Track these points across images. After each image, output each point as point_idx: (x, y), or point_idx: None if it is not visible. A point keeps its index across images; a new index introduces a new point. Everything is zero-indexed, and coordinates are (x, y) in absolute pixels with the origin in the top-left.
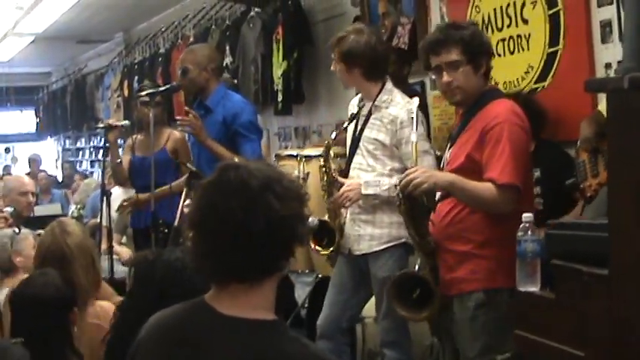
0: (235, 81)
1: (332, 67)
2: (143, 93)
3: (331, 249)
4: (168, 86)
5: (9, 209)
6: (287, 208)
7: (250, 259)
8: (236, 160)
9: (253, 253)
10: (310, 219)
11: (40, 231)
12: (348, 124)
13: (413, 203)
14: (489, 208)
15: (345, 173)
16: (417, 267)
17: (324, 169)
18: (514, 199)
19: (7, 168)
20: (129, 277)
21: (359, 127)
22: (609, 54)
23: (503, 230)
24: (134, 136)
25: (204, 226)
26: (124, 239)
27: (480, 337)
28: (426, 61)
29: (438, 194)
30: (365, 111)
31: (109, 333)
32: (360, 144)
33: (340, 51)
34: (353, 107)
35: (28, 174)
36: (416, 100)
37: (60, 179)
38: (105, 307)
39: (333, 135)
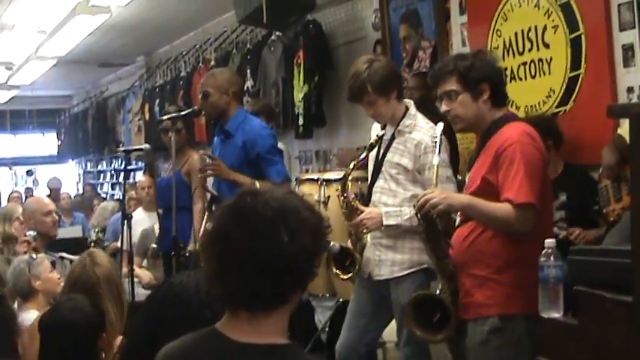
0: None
1: (368, 113)
2: (165, 117)
3: (350, 275)
4: (189, 110)
5: (32, 233)
6: (296, 243)
7: (255, 289)
8: (257, 185)
9: (258, 284)
10: (331, 244)
11: (62, 253)
12: (367, 154)
13: (430, 224)
14: (508, 228)
15: (367, 197)
16: (438, 291)
17: (342, 198)
18: (532, 218)
19: (28, 190)
20: None
21: (382, 151)
22: (631, 78)
23: (521, 255)
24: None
25: (212, 250)
26: (144, 262)
27: None
28: (434, 90)
29: (458, 219)
30: (388, 135)
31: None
32: (383, 168)
33: (376, 86)
34: (376, 130)
35: (48, 196)
36: (440, 125)
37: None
38: None
39: (352, 165)
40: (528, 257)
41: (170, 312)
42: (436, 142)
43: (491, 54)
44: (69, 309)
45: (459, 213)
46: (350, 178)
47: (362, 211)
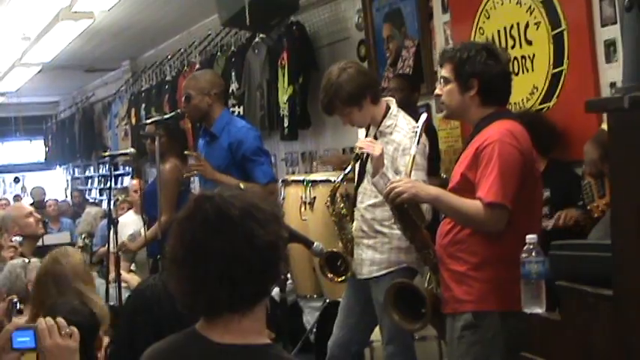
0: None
1: (345, 123)
2: (148, 122)
3: (343, 277)
4: (171, 114)
5: (18, 238)
6: (270, 232)
7: (240, 290)
8: (241, 186)
9: (243, 284)
10: (315, 244)
11: None
12: (353, 165)
13: (401, 214)
14: (477, 225)
15: (353, 198)
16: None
17: (331, 209)
18: (501, 218)
19: (17, 197)
20: None
21: (366, 153)
22: (614, 73)
23: (500, 253)
24: None
25: (187, 264)
26: (132, 267)
27: (465, 357)
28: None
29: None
30: (371, 136)
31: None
32: (366, 170)
33: (344, 99)
34: (362, 130)
35: (32, 204)
36: (424, 115)
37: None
38: None
39: (340, 178)
40: (508, 255)
41: (143, 317)
42: (416, 132)
43: (501, 51)
44: (66, 311)
45: None
46: (338, 191)
47: (352, 219)
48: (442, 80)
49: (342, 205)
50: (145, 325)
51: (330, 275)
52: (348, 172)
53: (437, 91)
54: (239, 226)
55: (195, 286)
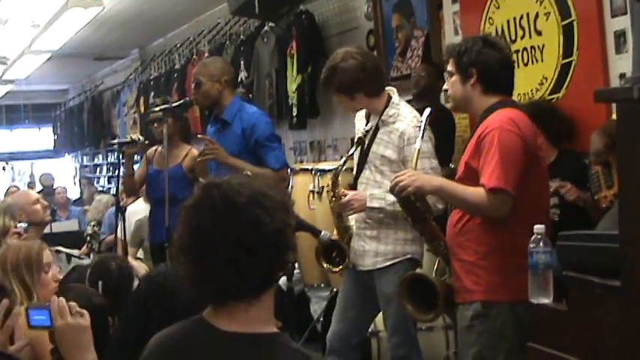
0: (250, 95)
1: (338, 102)
2: (157, 109)
3: (340, 267)
4: (181, 101)
5: (22, 225)
6: (277, 220)
7: (247, 278)
8: (255, 170)
9: (249, 272)
10: (322, 233)
11: (59, 247)
12: (356, 148)
13: (408, 207)
14: (480, 212)
15: (353, 189)
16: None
17: (332, 194)
18: (505, 203)
19: (30, 184)
20: None
21: (366, 142)
22: (623, 64)
23: (508, 242)
24: (154, 148)
25: (195, 251)
26: (140, 253)
27: (474, 346)
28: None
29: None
30: (372, 125)
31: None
32: (368, 159)
33: (336, 86)
34: (361, 119)
35: (40, 191)
36: (428, 110)
37: (77, 196)
38: None
39: (342, 161)
40: (516, 244)
41: (159, 304)
42: (420, 126)
43: (498, 40)
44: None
45: None
46: (341, 173)
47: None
48: (448, 75)
49: (342, 190)
50: (158, 311)
51: (325, 265)
52: (351, 154)
53: (445, 86)
54: (245, 213)
55: (201, 274)
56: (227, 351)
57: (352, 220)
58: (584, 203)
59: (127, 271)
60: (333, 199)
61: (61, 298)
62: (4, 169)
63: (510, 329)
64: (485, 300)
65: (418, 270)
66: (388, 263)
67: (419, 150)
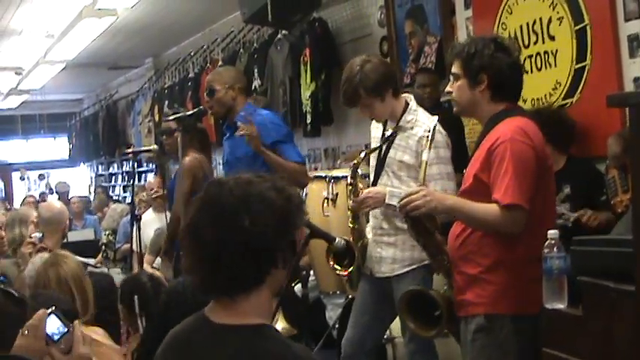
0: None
1: (364, 115)
2: (171, 118)
3: (349, 270)
4: (195, 110)
5: (37, 234)
6: (258, 225)
7: (226, 277)
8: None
9: (231, 270)
10: (337, 239)
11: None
12: (377, 149)
13: (415, 223)
14: (495, 229)
15: None
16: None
17: (351, 187)
18: (520, 219)
19: (43, 195)
20: None
21: (384, 148)
22: (637, 68)
23: (512, 255)
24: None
25: (186, 244)
26: (157, 262)
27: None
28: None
29: None
30: (389, 131)
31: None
32: (386, 165)
33: (367, 89)
34: (377, 127)
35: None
36: (434, 119)
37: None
38: None
39: (362, 154)
40: (521, 256)
41: (177, 312)
42: (427, 136)
43: (509, 42)
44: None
45: None
46: (360, 169)
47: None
48: (452, 77)
49: (361, 185)
50: (179, 317)
51: (334, 265)
52: (374, 149)
53: (447, 88)
54: (228, 213)
55: (192, 268)
56: (215, 341)
57: (368, 227)
58: (607, 222)
59: (159, 287)
60: (352, 194)
61: (84, 328)
62: (22, 178)
63: (514, 342)
64: (488, 313)
65: (415, 286)
66: (405, 270)
67: (426, 162)
